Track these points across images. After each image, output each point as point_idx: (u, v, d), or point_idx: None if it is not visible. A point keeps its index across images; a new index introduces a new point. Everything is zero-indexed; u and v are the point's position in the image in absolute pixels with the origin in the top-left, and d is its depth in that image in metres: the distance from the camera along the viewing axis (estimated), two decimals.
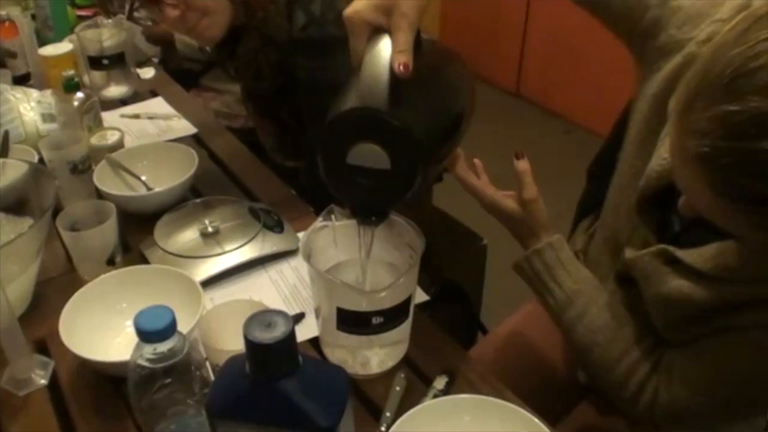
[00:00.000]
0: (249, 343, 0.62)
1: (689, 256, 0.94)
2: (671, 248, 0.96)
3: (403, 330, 1.02)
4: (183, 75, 2.42)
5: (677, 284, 0.94)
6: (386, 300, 0.95)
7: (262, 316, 0.63)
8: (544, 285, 1.09)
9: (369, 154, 0.80)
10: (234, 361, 0.69)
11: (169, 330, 0.74)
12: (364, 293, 0.93)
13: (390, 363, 1.04)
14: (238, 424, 0.66)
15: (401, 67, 0.79)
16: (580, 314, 1.06)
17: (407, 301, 0.98)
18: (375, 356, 1.03)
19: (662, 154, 0.98)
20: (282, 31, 1.42)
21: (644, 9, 1.04)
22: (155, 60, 2.40)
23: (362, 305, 0.94)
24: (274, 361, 0.63)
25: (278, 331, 0.62)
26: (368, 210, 0.90)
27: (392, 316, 0.97)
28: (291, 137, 1.69)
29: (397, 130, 0.78)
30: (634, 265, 1.02)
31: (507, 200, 1.10)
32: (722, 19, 0.97)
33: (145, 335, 0.73)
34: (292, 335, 0.62)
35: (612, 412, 1.18)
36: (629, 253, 1.03)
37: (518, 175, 1.08)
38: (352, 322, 0.96)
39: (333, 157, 0.82)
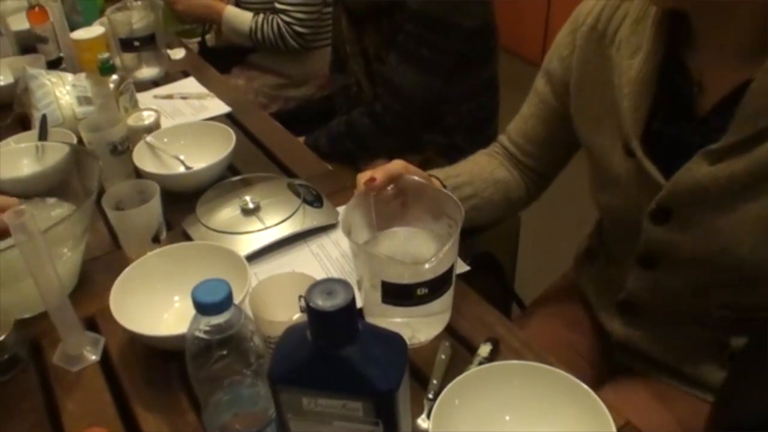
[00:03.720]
0: (311, 310, 0.63)
1: (728, 138, 0.93)
2: (711, 146, 0.95)
3: (446, 299, 1.03)
4: (229, 51, 2.43)
5: (734, 168, 0.94)
6: (429, 271, 0.95)
7: (324, 285, 0.64)
8: None
9: None
10: (294, 329, 0.70)
11: (226, 302, 0.75)
12: (407, 266, 0.94)
13: (434, 333, 1.06)
14: (299, 391, 0.68)
15: None
16: None
17: (450, 271, 0.99)
18: (419, 327, 1.05)
19: (624, 91, 1.02)
20: None
21: (545, 99, 1.22)
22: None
23: (405, 277, 0.95)
24: (335, 328, 0.65)
25: (339, 299, 0.63)
26: None
27: (436, 287, 0.98)
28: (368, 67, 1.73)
29: None
30: (678, 188, 0.99)
31: None
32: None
33: (203, 308, 0.75)
34: (353, 302, 0.63)
35: (650, 377, 1.18)
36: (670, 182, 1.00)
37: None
38: (396, 294, 0.97)
39: None
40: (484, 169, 1.27)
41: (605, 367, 1.27)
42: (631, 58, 1.02)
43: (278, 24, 2.29)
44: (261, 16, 2.33)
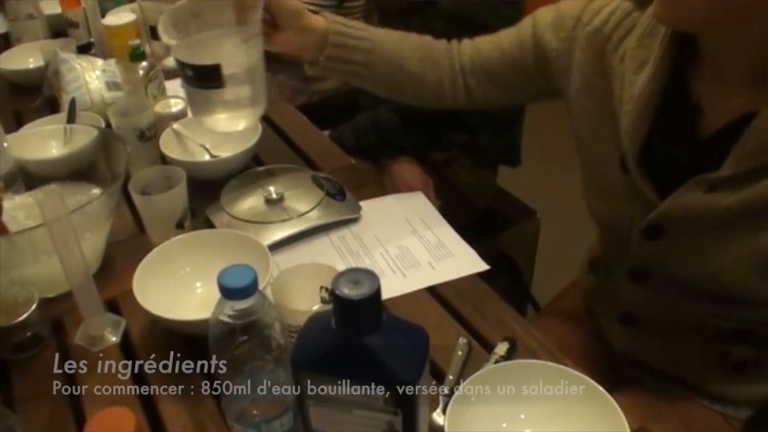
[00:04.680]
0: (337, 298, 0.64)
1: (726, 169, 0.92)
2: (708, 174, 0.93)
3: (227, 95, 1.12)
4: None
5: (729, 200, 0.92)
6: (188, 56, 1.09)
7: (350, 274, 0.65)
8: None
9: None
10: (318, 317, 0.71)
11: (251, 288, 0.76)
12: (171, 42, 1.11)
13: (236, 125, 1.21)
14: (322, 377, 0.69)
15: None
16: None
17: (216, 71, 1.08)
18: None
19: (624, 107, 1.00)
20: None
21: (523, 51, 1.19)
22: None
23: (175, 53, 1.12)
24: (360, 317, 0.66)
25: (365, 288, 0.64)
26: None
27: (200, 76, 1.10)
28: None
29: None
30: (671, 211, 0.98)
31: None
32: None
33: (229, 292, 0.76)
34: (378, 292, 0.64)
35: (662, 381, 1.19)
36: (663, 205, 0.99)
37: None
38: (179, 67, 1.12)
39: None
40: (418, 59, 1.27)
41: (611, 378, 1.27)
42: (635, 73, 1.00)
43: None
44: None
